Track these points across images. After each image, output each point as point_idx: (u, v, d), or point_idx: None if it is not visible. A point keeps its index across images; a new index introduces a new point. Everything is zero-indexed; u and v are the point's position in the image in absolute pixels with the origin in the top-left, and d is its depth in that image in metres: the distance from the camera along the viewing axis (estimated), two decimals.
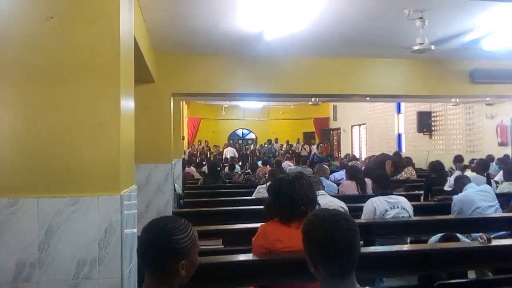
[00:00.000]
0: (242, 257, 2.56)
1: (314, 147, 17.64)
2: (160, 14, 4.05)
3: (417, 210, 4.07)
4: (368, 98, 8.59)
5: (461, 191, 4.43)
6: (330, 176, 7.09)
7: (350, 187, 5.69)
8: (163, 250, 1.43)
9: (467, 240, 3.28)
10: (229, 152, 15.37)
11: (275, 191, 2.42)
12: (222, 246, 3.55)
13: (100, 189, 1.88)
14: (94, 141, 1.89)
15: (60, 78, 1.86)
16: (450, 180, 5.94)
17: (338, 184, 6.10)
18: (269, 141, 16.30)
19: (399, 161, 7.82)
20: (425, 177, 6.88)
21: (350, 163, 8.94)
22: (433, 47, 4.37)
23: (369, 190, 5.48)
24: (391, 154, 8.69)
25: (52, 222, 1.84)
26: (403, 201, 3.90)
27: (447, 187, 5.95)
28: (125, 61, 2.08)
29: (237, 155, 15.47)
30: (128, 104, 2.16)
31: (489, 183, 5.35)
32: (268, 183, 5.22)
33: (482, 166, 6.24)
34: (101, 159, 1.89)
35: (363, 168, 7.31)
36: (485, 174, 5.88)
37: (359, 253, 1.44)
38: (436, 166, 6.27)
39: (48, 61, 1.85)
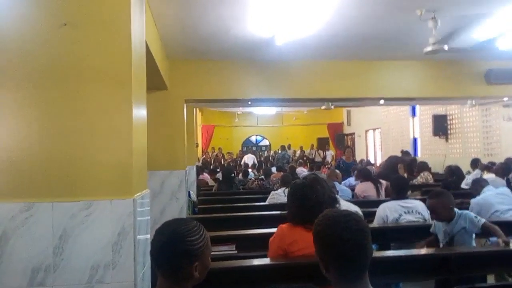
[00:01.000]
0: (256, 261, 2.55)
1: (328, 152, 17.58)
2: (172, 21, 4.10)
3: None
4: (381, 102, 8.48)
5: (478, 194, 4.34)
6: (345, 181, 7.02)
7: (369, 188, 5.59)
8: (177, 251, 1.43)
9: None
10: (249, 159, 15.39)
11: (299, 197, 2.38)
12: (236, 252, 3.54)
13: (113, 193, 1.90)
14: (107, 146, 1.91)
15: (73, 84, 1.90)
16: (468, 179, 5.82)
17: (353, 189, 6.02)
18: (283, 148, 16.27)
19: (412, 164, 7.62)
20: (442, 181, 6.74)
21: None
22: (446, 47, 4.32)
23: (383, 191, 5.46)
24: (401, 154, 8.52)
25: (66, 226, 1.86)
26: (418, 205, 3.83)
27: (463, 185, 5.84)
28: (137, 68, 2.11)
29: (256, 162, 15.50)
30: (140, 109, 2.19)
31: (509, 186, 5.23)
32: (285, 189, 5.24)
33: (503, 170, 6.11)
34: (113, 163, 1.91)
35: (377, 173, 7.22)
36: (505, 178, 5.76)
37: (371, 255, 1.41)
38: (455, 171, 6.13)
39: (61, 67, 1.89)
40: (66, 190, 1.87)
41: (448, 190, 5.58)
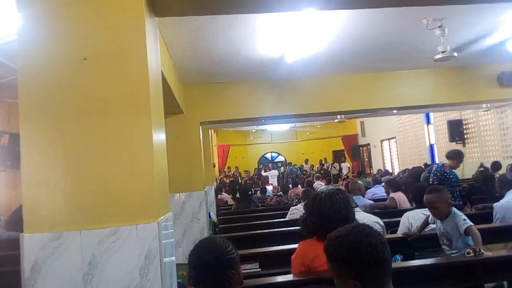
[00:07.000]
0: (280, 278, 2.56)
1: (344, 164, 17.47)
2: (184, 48, 4.22)
3: None
4: (395, 111, 8.48)
5: (502, 197, 4.25)
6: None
7: (404, 199, 5.53)
8: (224, 264, 1.63)
9: None
10: (273, 175, 15.53)
11: (309, 208, 2.49)
12: (259, 269, 3.55)
13: (137, 218, 1.95)
14: (130, 172, 1.97)
15: (95, 115, 1.97)
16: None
17: (375, 201, 5.95)
18: (290, 164, 16.58)
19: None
20: (475, 187, 6.46)
21: (383, 178, 8.78)
22: (456, 54, 4.33)
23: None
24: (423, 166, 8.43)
25: (94, 252, 1.91)
26: None
27: None
28: (155, 95, 2.18)
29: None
30: (159, 134, 2.25)
31: None
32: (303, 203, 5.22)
33: None
34: (137, 189, 1.97)
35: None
36: None
37: None
38: (488, 174, 5.82)
39: (84, 98, 1.97)
40: (93, 218, 1.93)
41: (471, 196, 5.53)
